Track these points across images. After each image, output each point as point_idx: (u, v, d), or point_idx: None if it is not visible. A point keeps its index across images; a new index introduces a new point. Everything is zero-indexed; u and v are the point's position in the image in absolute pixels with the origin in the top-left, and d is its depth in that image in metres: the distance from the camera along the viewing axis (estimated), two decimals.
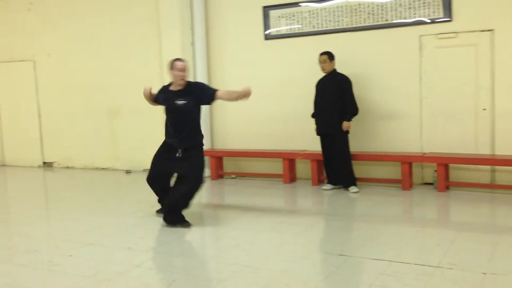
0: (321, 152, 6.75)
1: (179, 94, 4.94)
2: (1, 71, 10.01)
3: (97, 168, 9.29)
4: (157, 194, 5.30)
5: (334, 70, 6.53)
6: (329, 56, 6.47)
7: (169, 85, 5.13)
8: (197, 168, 4.92)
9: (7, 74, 9.97)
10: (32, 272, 3.80)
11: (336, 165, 6.53)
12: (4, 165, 10.15)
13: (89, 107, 9.22)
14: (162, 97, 5.14)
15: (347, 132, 6.47)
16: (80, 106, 9.32)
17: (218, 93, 4.94)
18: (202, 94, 4.99)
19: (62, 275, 3.72)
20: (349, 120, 6.43)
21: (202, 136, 5.05)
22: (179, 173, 5.00)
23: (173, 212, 4.95)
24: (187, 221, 4.94)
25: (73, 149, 9.51)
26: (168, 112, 5.02)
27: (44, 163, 9.84)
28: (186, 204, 4.96)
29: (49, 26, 9.42)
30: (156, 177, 5.11)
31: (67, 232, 4.93)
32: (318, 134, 6.67)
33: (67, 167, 9.59)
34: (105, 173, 8.82)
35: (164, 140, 5.10)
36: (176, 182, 5.09)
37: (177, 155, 4.89)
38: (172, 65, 4.98)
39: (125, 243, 4.47)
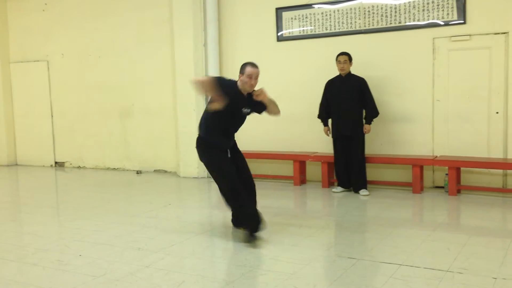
0: (332, 154, 6.73)
1: (245, 101, 4.53)
2: (15, 71, 10.13)
3: (108, 168, 9.35)
4: (243, 203, 4.53)
5: (350, 72, 6.49)
6: (349, 57, 6.43)
7: (236, 83, 4.55)
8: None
9: (21, 74, 10.08)
10: (42, 271, 3.83)
11: (352, 168, 6.49)
12: (16, 165, 10.25)
13: (101, 107, 9.29)
14: (232, 95, 4.40)
15: (365, 134, 6.45)
16: (92, 106, 9.39)
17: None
18: (259, 104, 4.59)
19: (72, 275, 3.74)
20: (370, 123, 6.41)
21: None
22: (240, 169, 4.65)
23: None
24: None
25: (84, 149, 9.59)
26: (230, 115, 4.49)
27: (56, 163, 9.93)
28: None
29: (63, 26, 9.52)
30: (239, 183, 4.52)
31: (78, 232, 4.96)
32: (335, 136, 6.59)
33: (79, 167, 9.66)
34: (116, 173, 8.87)
35: (210, 145, 4.56)
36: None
37: (229, 155, 4.65)
38: (242, 68, 4.49)
39: (135, 244, 4.49)
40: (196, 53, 7.98)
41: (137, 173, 8.82)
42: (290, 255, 4.06)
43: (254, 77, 4.47)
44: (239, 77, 4.51)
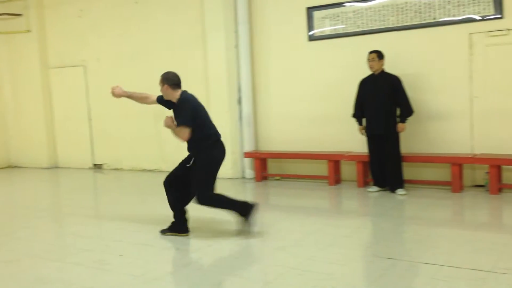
0: (366, 154, 6.66)
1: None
2: (54, 76, 10.41)
3: (144, 170, 9.51)
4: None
5: (383, 70, 6.42)
6: (378, 54, 6.37)
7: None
8: None
9: (60, 79, 10.36)
10: (85, 270, 3.93)
11: (388, 167, 6.41)
12: (57, 167, 10.54)
13: (136, 109, 9.43)
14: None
15: (399, 133, 6.36)
16: (127, 109, 9.55)
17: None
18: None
19: (113, 274, 3.83)
20: (404, 121, 6.32)
21: None
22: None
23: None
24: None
25: (121, 151, 9.78)
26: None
27: (94, 165, 10.16)
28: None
29: (98, 31, 9.73)
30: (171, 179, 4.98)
31: (117, 232, 5.06)
32: (369, 135, 6.54)
33: (116, 169, 9.86)
34: (152, 175, 9.01)
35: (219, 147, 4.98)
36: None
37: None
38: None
39: (173, 244, 4.56)
40: (228, 55, 8.03)
41: None
42: (327, 255, 4.04)
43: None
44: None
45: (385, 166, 6.45)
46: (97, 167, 10.12)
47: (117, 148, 9.80)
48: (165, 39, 8.93)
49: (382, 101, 6.34)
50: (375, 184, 6.61)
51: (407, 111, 6.33)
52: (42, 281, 3.71)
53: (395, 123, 6.34)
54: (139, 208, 6.22)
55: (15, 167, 10.77)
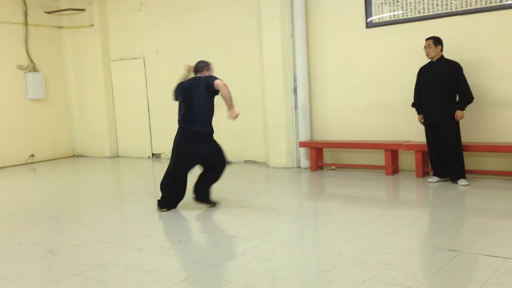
0: (425, 143, 6.47)
1: None
2: (115, 69, 10.79)
3: None
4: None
5: (442, 57, 6.20)
6: (435, 41, 6.15)
7: None
8: None
9: (121, 71, 10.72)
10: (147, 255, 4.08)
11: (446, 156, 6.20)
12: (118, 156, 10.95)
13: None
14: None
15: (458, 121, 6.13)
16: None
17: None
18: None
19: (174, 259, 3.96)
20: (463, 109, 6.08)
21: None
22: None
23: None
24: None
25: None
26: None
27: (153, 154, 10.47)
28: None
29: (157, 24, 9.97)
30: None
31: (176, 220, 5.21)
32: (426, 124, 6.36)
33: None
34: None
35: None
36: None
37: None
38: (209, 66, 5.81)
39: (230, 232, 4.64)
40: (283, 45, 8.01)
41: (228, 163, 9.04)
42: (385, 245, 3.98)
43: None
44: (204, 74, 5.53)
45: (444, 155, 6.24)
46: (156, 156, 10.43)
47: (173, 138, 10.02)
48: (222, 30, 9.02)
49: (439, 89, 6.12)
50: (435, 174, 6.42)
51: (466, 98, 6.08)
52: (106, 265, 3.88)
53: (454, 111, 6.11)
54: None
55: (80, 156, 11.29)
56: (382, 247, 3.95)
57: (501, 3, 6.34)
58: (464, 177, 6.14)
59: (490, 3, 6.41)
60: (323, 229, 4.72)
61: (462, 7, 6.62)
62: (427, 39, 6.23)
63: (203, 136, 5.37)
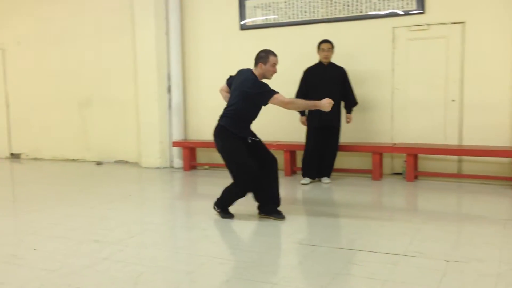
0: (293, 143, 6.71)
1: None
2: None
3: (67, 160, 9.11)
4: (257, 190, 4.77)
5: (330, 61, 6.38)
6: (332, 44, 6.29)
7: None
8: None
9: None
10: None
11: (328, 157, 6.43)
12: None
13: (59, 97, 9.03)
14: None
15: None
16: (50, 96, 9.11)
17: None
18: None
19: (26, 269, 3.62)
20: (351, 112, 6.41)
21: None
22: (261, 156, 4.75)
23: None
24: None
25: (41, 140, 9.31)
26: (259, 107, 4.73)
27: (12, 154, 9.61)
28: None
29: (19, 13, 9.16)
30: (257, 171, 4.62)
31: (33, 225, 4.79)
32: (315, 126, 6.27)
33: (35, 159, 9.38)
34: (75, 165, 8.65)
35: (233, 134, 4.67)
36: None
37: (249, 141, 4.72)
38: (264, 58, 4.65)
39: (93, 236, 4.37)
40: (158, 42, 7.83)
41: (97, 164, 8.62)
42: (250, 243, 4.02)
43: (276, 65, 4.65)
44: (260, 66, 4.63)
45: (326, 157, 6.43)
46: (15, 156, 9.58)
47: (37, 136, 9.35)
48: (92, 23, 8.58)
49: (333, 92, 5.98)
50: (307, 176, 6.48)
51: (354, 102, 6.42)
52: None
53: (340, 115, 6.37)
54: (57, 200, 5.93)
55: None
56: (247, 245, 4.00)
57: (361, 13, 6.83)
58: (329, 176, 6.49)
59: (352, 13, 6.88)
60: (192, 229, 4.66)
61: (327, 15, 7.01)
62: (325, 42, 6.28)
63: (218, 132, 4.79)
